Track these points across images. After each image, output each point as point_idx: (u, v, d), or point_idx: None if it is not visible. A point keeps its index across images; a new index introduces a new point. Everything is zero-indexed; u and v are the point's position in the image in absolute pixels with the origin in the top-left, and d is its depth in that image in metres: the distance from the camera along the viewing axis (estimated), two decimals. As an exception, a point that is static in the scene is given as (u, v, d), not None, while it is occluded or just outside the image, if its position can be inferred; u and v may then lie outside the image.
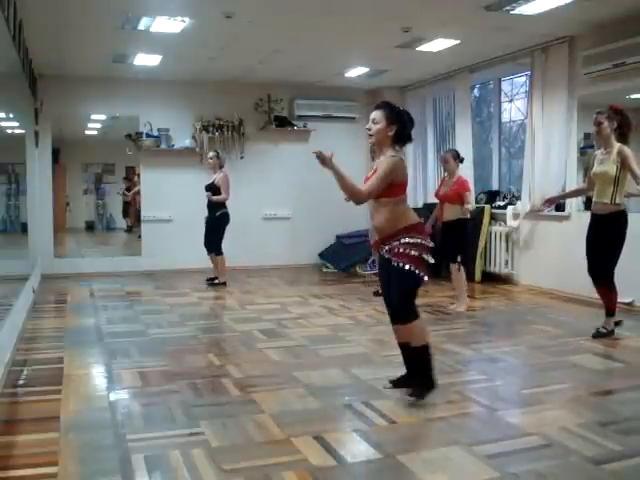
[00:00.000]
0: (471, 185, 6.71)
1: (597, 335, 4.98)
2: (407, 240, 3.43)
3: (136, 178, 10.95)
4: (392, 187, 3.46)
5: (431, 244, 3.53)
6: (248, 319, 5.89)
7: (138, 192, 10.33)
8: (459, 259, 6.19)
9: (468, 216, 6.14)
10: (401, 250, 3.42)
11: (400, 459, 2.77)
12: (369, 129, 3.54)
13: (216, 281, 7.87)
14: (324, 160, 3.42)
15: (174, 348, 4.80)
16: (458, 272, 6.22)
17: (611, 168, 4.75)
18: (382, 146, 3.53)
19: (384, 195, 3.46)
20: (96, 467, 2.73)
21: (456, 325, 5.66)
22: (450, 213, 6.15)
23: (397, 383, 3.68)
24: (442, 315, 6.04)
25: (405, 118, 3.56)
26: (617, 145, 4.76)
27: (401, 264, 3.40)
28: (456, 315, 6.05)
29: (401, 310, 3.49)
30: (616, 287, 4.94)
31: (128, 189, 11.69)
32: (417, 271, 3.41)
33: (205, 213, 7.90)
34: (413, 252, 3.42)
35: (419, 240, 3.46)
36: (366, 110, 10.07)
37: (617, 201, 4.78)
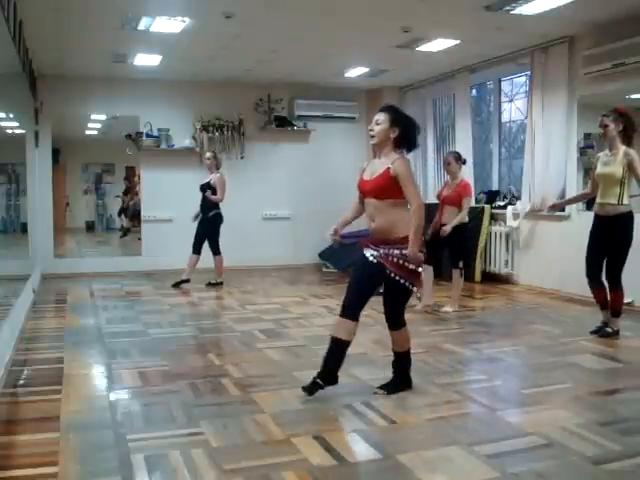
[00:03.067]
0: (472, 189, 6.67)
1: (603, 335, 5.00)
2: (405, 251, 3.45)
3: (136, 179, 10.95)
4: (400, 188, 3.47)
5: (424, 255, 3.60)
6: (248, 319, 5.89)
7: (136, 193, 10.36)
8: (461, 264, 6.16)
9: (466, 220, 6.12)
10: (400, 262, 3.46)
11: (400, 459, 2.77)
12: (371, 130, 3.56)
13: (212, 280, 7.85)
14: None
15: (174, 348, 4.80)
16: (459, 278, 6.20)
17: (617, 170, 4.78)
18: (383, 148, 3.55)
19: (391, 196, 3.47)
20: (96, 467, 2.73)
21: (456, 325, 5.66)
22: (451, 216, 6.08)
23: (310, 388, 3.64)
24: (441, 315, 6.04)
25: (409, 123, 3.60)
26: (623, 147, 4.80)
27: (402, 280, 3.48)
28: (452, 315, 6.03)
29: (396, 320, 3.64)
30: (623, 288, 4.96)
31: (127, 190, 11.70)
32: (411, 286, 3.53)
33: (194, 213, 7.85)
34: (411, 266, 3.48)
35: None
36: (366, 110, 10.10)
37: (625, 201, 4.80)
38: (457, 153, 6.48)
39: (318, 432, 3.06)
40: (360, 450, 2.94)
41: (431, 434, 3.10)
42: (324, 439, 2.98)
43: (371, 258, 3.54)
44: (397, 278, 3.48)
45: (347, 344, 3.61)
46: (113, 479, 2.62)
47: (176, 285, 7.72)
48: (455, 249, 6.10)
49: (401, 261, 3.46)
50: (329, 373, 3.61)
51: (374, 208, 3.54)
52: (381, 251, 3.50)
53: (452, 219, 6.05)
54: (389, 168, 3.47)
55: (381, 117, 3.55)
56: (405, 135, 3.55)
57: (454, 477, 2.65)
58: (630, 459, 2.78)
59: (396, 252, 3.46)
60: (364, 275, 3.60)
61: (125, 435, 3.05)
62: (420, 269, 3.55)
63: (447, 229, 5.95)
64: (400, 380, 3.72)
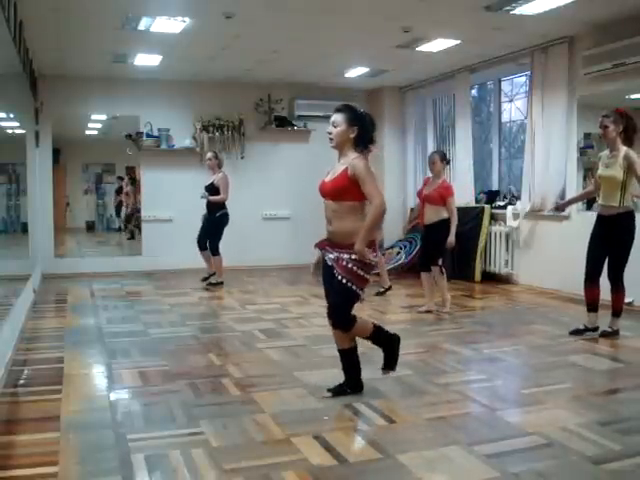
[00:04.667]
0: (467, 185, 6.64)
1: (604, 334, 5.00)
2: (356, 257, 3.38)
3: (126, 179, 10.96)
4: (359, 189, 3.39)
5: (376, 261, 3.54)
6: (248, 319, 5.89)
7: (127, 193, 10.37)
8: (440, 262, 6.07)
9: (446, 216, 5.97)
10: (352, 268, 3.40)
11: (400, 459, 2.77)
12: (330, 133, 3.49)
13: (213, 280, 7.85)
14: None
15: (174, 348, 4.81)
16: (441, 275, 6.10)
17: (618, 173, 4.76)
18: (343, 149, 3.50)
19: (348, 198, 3.41)
20: (96, 467, 2.73)
21: (456, 325, 5.66)
22: (431, 215, 6.01)
23: (336, 391, 3.65)
24: (441, 315, 6.03)
25: (367, 120, 3.53)
26: (624, 149, 4.77)
27: (347, 282, 3.41)
28: (451, 315, 6.02)
29: (340, 321, 3.54)
30: (625, 288, 4.96)
31: (120, 190, 11.72)
32: (358, 290, 3.45)
33: (203, 212, 7.88)
34: (360, 272, 3.42)
35: (368, 260, 3.43)
36: (366, 110, 10.08)
37: (625, 204, 4.81)
38: (442, 152, 6.47)
39: (318, 432, 3.06)
40: (360, 450, 2.94)
41: (431, 434, 3.09)
42: (324, 439, 2.98)
43: (329, 262, 3.52)
44: (344, 281, 3.41)
45: (354, 349, 3.65)
46: (113, 479, 2.62)
47: (205, 280, 7.81)
48: (434, 246, 6.00)
49: (350, 265, 3.40)
50: (354, 381, 3.66)
51: (332, 211, 3.50)
52: (335, 254, 3.47)
53: (434, 218, 5.98)
54: (347, 168, 3.41)
55: (338, 118, 3.48)
56: (363, 133, 3.49)
57: (454, 477, 2.65)
58: (630, 459, 2.79)
59: (345, 256, 3.41)
60: (331, 282, 3.54)
61: (125, 435, 3.05)
62: (368, 276, 3.47)
63: (452, 240, 5.88)
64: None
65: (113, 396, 3.71)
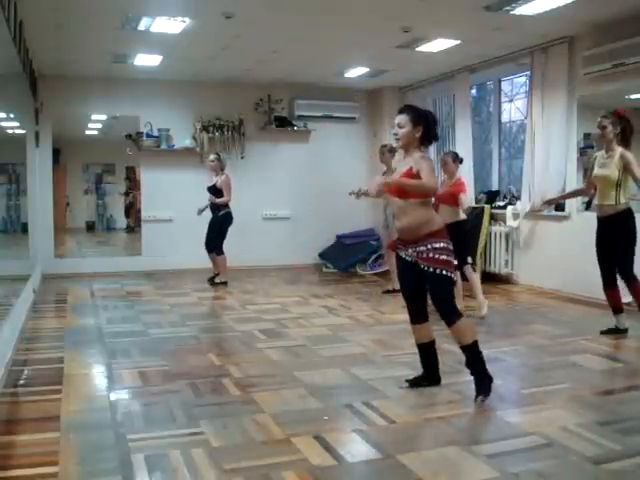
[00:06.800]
0: (467, 186, 6.64)
1: (606, 332, 5.04)
2: (436, 245, 3.52)
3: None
4: None
5: (447, 243, 3.63)
6: (248, 319, 5.89)
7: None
8: (470, 260, 6.06)
9: (463, 217, 6.08)
10: (434, 256, 3.52)
11: (400, 459, 2.77)
12: (396, 134, 3.62)
13: (217, 280, 7.87)
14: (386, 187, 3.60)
15: (174, 348, 4.80)
16: (473, 273, 6.10)
17: (613, 172, 4.81)
18: (409, 148, 3.63)
19: (414, 195, 3.53)
20: (96, 467, 2.73)
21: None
22: (445, 216, 5.99)
23: (413, 382, 3.78)
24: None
25: (429, 119, 3.67)
26: (619, 149, 4.83)
27: (438, 270, 3.51)
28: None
29: (448, 313, 3.62)
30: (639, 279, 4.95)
31: (127, 191, 11.72)
32: (451, 274, 3.57)
33: (208, 214, 7.92)
34: (443, 257, 3.53)
35: (445, 244, 3.57)
36: (366, 110, 10.10)
37: (622, 201, 4.84)
38: (454, 153, 6.47)
39: (318, 432, 3.06)
40: (360, 450, 2.94)
41: (431, 434, 3.10)
42: (324, 439, 2.98)
43: (408, 258, 3.63)
44: (431, 270, 3.52)
45: (432, 343, 3.81)
46: (113, 479, 2.62)
47: (211, 280, 7.89)
48: (457, 247, 6.01)
49: (431, 254, 3.51)
50: (432, 374, 3.80)
51: (398, 208, 3.62)
52: (410, 251, 3.59)
53: (448, 219, 6.00)
54: (411, 167, 3.54)
55: (403, 119, 3.60)
56: (428, 132, 3.63)
57: (454, 477, 2.65)
58: (630, 459, 2.78)
59: (423, 248, 3.52)
60: (408, 278, 3.69)
61: (125, 435, 3.05)
62: (452, 258, 3.57)
63: (463, 209, 6.01)
64: (483, 377, 3.58)
65: (113, 396, 3.70)
